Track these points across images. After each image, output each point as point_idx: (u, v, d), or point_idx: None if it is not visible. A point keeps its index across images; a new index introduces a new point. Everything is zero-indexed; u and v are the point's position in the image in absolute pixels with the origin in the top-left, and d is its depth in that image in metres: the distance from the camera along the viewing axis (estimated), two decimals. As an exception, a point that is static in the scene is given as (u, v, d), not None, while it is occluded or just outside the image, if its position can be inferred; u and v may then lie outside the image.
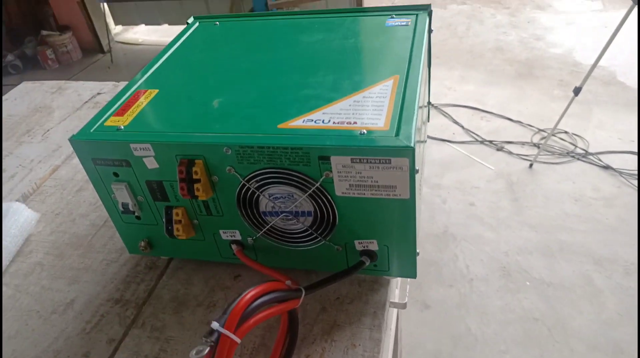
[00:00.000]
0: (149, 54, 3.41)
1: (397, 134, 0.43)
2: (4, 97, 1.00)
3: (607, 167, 1.89)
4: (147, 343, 0.51)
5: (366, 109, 0.47)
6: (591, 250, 1.55)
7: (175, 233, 0.52)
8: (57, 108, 0.94)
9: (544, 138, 2.06)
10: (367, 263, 0.50)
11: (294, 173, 0.46)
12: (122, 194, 0.51)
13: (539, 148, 2.00)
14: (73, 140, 0.49)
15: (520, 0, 3.49)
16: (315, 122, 0.46)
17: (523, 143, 2.07)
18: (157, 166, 0.48)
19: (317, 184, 0.45)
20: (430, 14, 0.63)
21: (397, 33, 0.59)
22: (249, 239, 0.53)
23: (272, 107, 0.50)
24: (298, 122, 0.46)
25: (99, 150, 0.49)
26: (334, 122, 0.46)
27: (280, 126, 0.46)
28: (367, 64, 0.55)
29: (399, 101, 0.47)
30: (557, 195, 1.78)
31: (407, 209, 0.45)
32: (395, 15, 0.63)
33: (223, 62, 0.59)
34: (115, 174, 0.50)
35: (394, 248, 0.49)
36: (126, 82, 0.56)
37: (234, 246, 0.54)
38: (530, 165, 1.94)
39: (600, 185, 1.81)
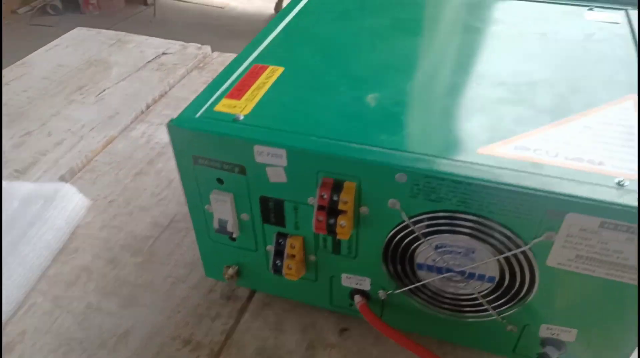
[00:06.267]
0: (191, 12, 3.25)
1: (685, 196, 0.28)
2: (54, 42, 0.86)
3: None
4: (228, 415, 0.37)
5: (610, 143, 0.31)
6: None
7: (284, 270, 0.37)
8: (115, 65, 0.80)
9: None
10: (553, 357, 0.35)
11: (493, 225, 0.30)
12: (223, 209, 0.37)
13: None
14: (172, 126, 0.34)
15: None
16: (534, 152, 0.31)
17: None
18: (285, 180, 0.34)
19: (526, 248, 0.30)
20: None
21: (607, 32, 0.43)
22: (381, 292, 0.38)
23: (458, 116, 0.34)
24: (507, 149, 0.31)
25: (206, 146, 0.34)
26: (566, 158, 0.30)
27: (481, 150, 0.31)
28: (581, 71, 0.39)
29: (658, 137, 0.32)
30: None
31: (658, 304, 0.30)
32: (596, 8, 0.47)
33: (366, 41, 0.44)
34: (220, 181, 0.36)
35: (599, 346, 0.34)
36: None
37: (356, 298, 0.39)
38: None
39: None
